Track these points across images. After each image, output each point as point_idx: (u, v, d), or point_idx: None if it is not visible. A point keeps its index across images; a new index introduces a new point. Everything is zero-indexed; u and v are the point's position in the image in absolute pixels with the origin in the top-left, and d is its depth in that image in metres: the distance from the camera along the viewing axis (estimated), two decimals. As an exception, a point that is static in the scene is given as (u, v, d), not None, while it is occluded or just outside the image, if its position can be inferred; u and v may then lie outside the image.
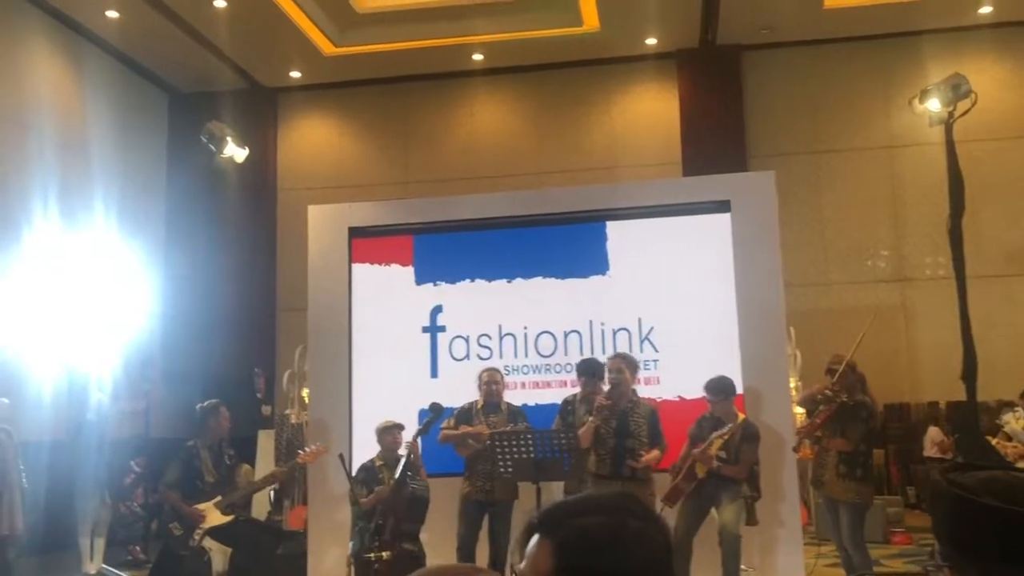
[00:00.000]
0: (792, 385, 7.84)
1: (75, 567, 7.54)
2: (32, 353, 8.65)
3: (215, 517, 6.23)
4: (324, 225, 7.29)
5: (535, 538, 1.15)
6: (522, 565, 1.15)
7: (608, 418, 5.83)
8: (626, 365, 5.95)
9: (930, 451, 9.00)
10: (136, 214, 11.21)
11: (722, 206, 6.92)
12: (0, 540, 7.41)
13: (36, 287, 8.87)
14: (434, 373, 7.16)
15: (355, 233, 7.28)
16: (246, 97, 12.20)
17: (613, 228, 7.08)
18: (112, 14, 10.35)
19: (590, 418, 5.83)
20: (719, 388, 5.99)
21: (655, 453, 5.79)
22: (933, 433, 9.40)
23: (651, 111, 11.98)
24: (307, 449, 6.54)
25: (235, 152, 7.67)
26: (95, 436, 8.25)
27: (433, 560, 6.02)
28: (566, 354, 6.98)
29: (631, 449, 5.80)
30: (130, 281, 9.48)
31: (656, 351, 6.86)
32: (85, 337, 9.01)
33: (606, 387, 6.07)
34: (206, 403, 6.58)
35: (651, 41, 11.42)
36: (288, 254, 11.83)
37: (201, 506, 6.21)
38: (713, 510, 5.93)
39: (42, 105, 10.02)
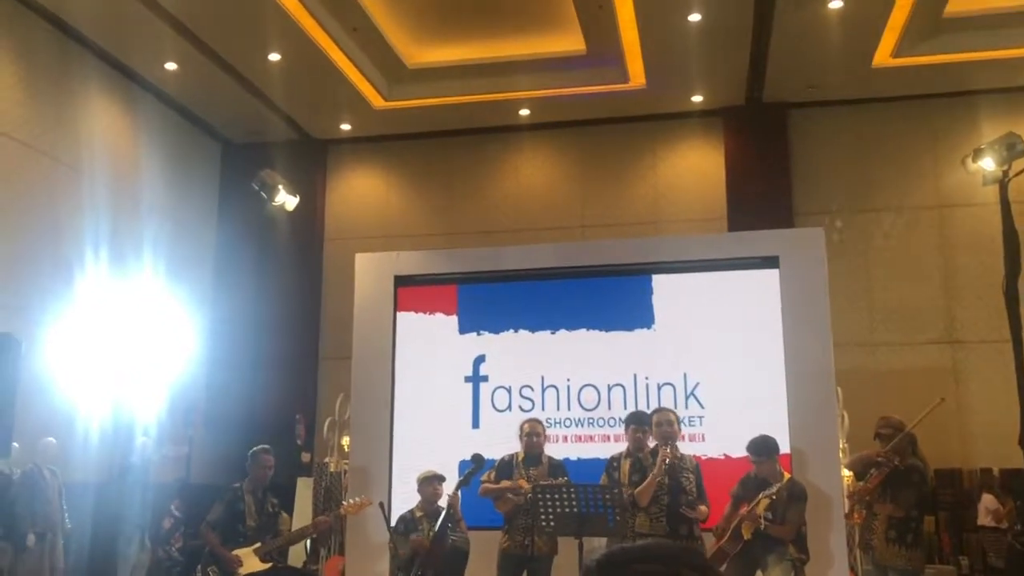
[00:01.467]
0: (839, 447, 7.66)
1: (112, 610, 7.53)
2: (80, 395, 8.78)
3: (252, 563, 6.20)
4: (370, 273, 7.36)
5: None
6: None
7: (663, 472, 5.71)
8: (675, 416, 5.87)
9: (984, 519, 8.69)
10: (185, 260, 11.42)
11: (770, 262, 6.87)
12: (41, 580, 7.47)
13: (86, 329, 9.03)
14: (475, 423, 7.13)
15: (401, 282, 7.34)
16: (297, 148, 12.44)
17: (659, 281, 7.06)
18: (171, 66, 10.67)
19: (649, 475, 5.70)
20: (762, 448, 5.87)
21: (703, 509, 5.66)
22: (987, 501, 9.09)
23: (696, 167, 11.99)
24: (352, 500, 6.51)
25: (286, 200, 7.80)
26: (138, 479, 8.32)
27: (471, 615, 5.92)
28: (609, 408, 6.91)
29: (687, 506, 5.69)
30: (177, 326, 9.61)
31: (702, 407, 6.78)
32: (132, 380, 9.12)
33: (651, 442, 5.98)
34: (254, 448, 6.61)
35: (697, 98, 11.48)
36: (333, 303, 11.94)
37: (239, 552, 6.19)
38: (759, 573, 5.77)
39: (97, 152, 10.29)
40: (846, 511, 6.29)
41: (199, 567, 6.36)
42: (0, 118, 9.12)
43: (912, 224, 11.28)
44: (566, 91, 11.24)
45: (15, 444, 6.08)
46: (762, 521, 5.67)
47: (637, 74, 10.90)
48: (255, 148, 12.37)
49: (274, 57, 10.49)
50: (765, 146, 11.57)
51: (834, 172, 11.55)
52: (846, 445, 8.60)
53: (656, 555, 1.17)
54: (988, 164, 6.58)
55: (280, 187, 7.75)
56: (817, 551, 5.94)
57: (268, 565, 6.24)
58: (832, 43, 10.07)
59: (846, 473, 7.25)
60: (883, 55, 10.40)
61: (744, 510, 5.76)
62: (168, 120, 11.70)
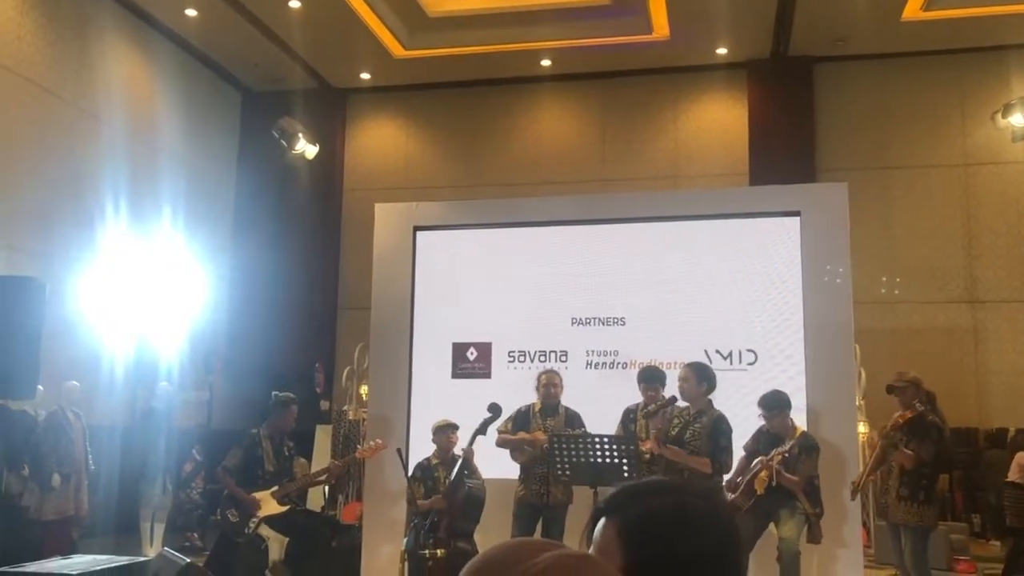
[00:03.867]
0: (856, 404, 7.66)
1: (136, 550, 7.70)
2: (102, 340, 8.89)
3: (270, 506, 6.32)
4: (390, 222, 7.36)
5: (601, 522, 1.15)
6: (590, 551, 1.15)
7: (669, 424, 5.71)
8: (693, 373, 5.81)
9: (1014, 475, 8.66)
10: (205, 208, 11.46)
11: (791, 216, 6.81)
12: (66, 520, 7.65)
13: (107, 276, 9.12)
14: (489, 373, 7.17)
15: (420, 231, 7.34)
16: (316, 97, 12.39)
17: (678, 230, 7.04)
18: (191, 12, 10.61)
19: (652, 431, 5.72)
20: (773, 403, 5.87)
21: (703, 460, 5.53)
22: (1020, 457, 9.04)
23: (719, 122, 11.86)
24: (366, 444, 6.60)
25: (306, 148, 7.80)
26: (160, 423, 8.45)
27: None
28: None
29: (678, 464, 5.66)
30: (197, 273, 9.68)
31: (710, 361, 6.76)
32: (153, 326, 9.23)
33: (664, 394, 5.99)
34: (280, 395, 6.68)
35: (722, 51, 11.31)
36: (351, 253, 11.98)
37: (257, 494, 6.30)
38: (772, 526, 5.81)
39: (117, 99, 10.29)
40: (867, 461, 6.23)
41: (218, 509, 6.49)
42: (24, 64, 9.12)
43: (936, 182, 11.14)
44: (588, 41, 11.10)
45: (40, 387, 6.18)
46: (775, 471, 5.69)
47: (661, 25, 10.74)
48: (275, 96, 12.32)
49: (294, 4, 10.40)
50: (789, 101, 11.42)
51: (859, 128, 11.39)
52: (862, 403, 8.60)
53: (662, 487, 1.20)
54: (1018, 120, 6.50)
55: (300, 135, 7.75)
56: (831, 507, 5.97)
57: (286, 508, 6.35)
58: (861, -6, 9.88)
59: (862, 429, 7.27)
60: (913, 8, 10.18)
61: (758, 462, 5.78)
62: (188, 67, 11.66)
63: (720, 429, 5.61)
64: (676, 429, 5.68)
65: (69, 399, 7.86)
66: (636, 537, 1.11)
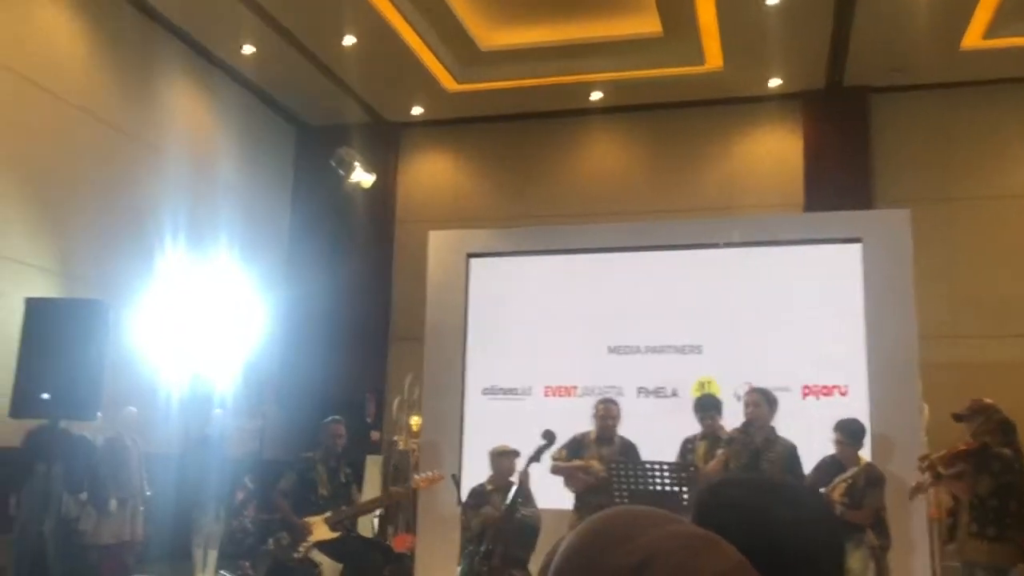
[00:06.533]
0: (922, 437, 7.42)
1: (188, 576, 7.73)
2: (159, 367, 9.02)
3: (322, 532, 6.29)
4: (444, 250, 7.39)
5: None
6: None
7: (740, 453, 5.60)
8: (764, 399, 5.71)
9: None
10: (260, 238, 11.64)
11: (852, 243, 6.69)
12: (121, 545, 7.71)
13: (165, 304, 9.27)
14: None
15: (473, 259, 7.35)
16: (370, 131, 12.55)
17: (734, 256, 6.94)
18: (248, 49, 10.86)
19: (719, 451, 5.61)
20: (853, 431, 5.72)
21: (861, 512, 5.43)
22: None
23: (773, 153, 11.74)
24: (424, 475, 6.55)
25: (362, 177, 7.88)
26: (214, 451, 8.51)
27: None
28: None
29: None
30: (252, 302, 9.80)
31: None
32: (208, 355, 9.35)
33: (722, 423, 5.88)
34: (327, 419, 6.71)
35: (775, 82, 11.24)
36: (403, 285, 12.03)
37: (310, 520, 6.28)
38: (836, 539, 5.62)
39: (178, 133, 10.56)
40: (920, 466, 5.95)
41: (270, 536, 6.48)
42: (88, 99, 9.39)
43: (1001, 213, 10.86)
44: (640, 74, 11.11)
45: (99, 412, 6.26)
46: (838, 506, 5.53)
47: (714, 56, 10.71)
48: (329, 131, 12.51)
49: (349, 40, 10.58)
50: (845, 132, 11.27)
51: (917, 159, 11.18)
52: (925, 438, 8.34)
53: (750, 483, 1.17)
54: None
55: (357, 164, 7.83)
56: (898, 539, 5.77)
57: (337, 534, 6.32)
58: (918, 24, 9.73)
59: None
60: (973, 36, 10.02)
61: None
62: (245, 102, 11.92)
63: (796, 458, 5.51)
64: (746, 458, 5.56)
65: (127, 425, 7.96)
66: (707, 516, 1.07)
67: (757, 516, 1.07)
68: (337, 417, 6.74)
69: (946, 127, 11.11)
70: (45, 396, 5.34)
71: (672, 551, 0.80)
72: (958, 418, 5.81)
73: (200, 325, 9.41)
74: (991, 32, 9.92)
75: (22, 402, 5.44)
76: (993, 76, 10.75)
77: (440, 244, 7.45)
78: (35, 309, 5.66)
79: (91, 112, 9.40)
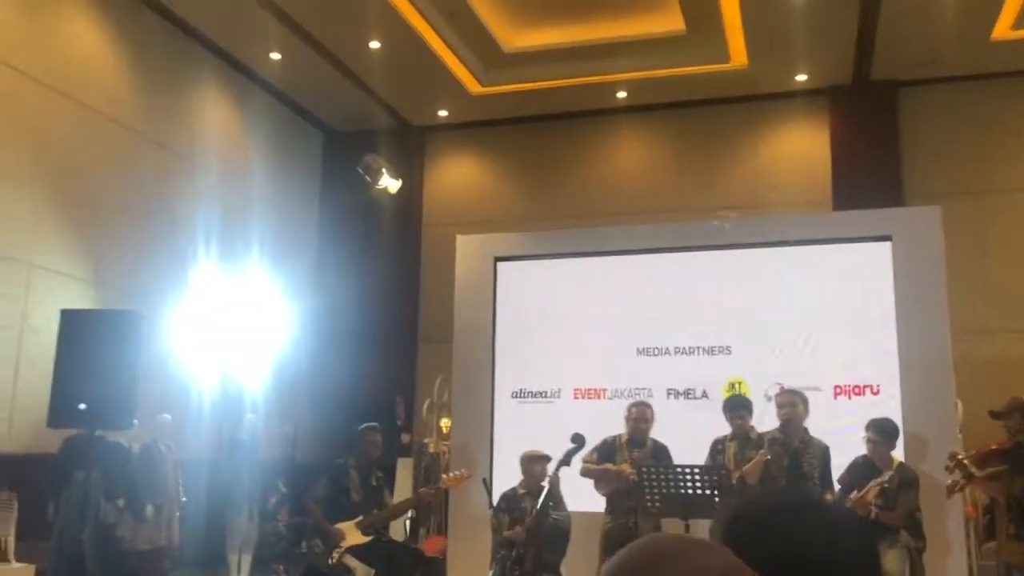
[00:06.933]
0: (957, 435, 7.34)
1: (224, 581, 7.81)
2: (192, 374, 9.11)
3: (354, 536, 6.34)
4: (471, 253, 7.42)
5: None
6: None
7: (780, 455, 5.58)
8: (799, 400, 5.70)
9: None
10: (289, 243, 11.73)
11: (882, 240, 6.63)
12: (158, 551, 7.80)
13: (196, 311, 9.37)
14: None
15: (501, 262, 7.36)
16: (395, 135, 12.61)
17: (764, 255, 6.91)
18: (275, 56, 10.95)
19: (758, 451, 5.58)
20: (886, 430, 5.67)
21: (828, 497, 5.46)
22: None
23: (799, 150, 11.65)
24: (452, 474, 6.59)
25: (389, 183, 7.93)
26: (247, 456, 8.59)
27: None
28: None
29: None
30: (282, 307, 9.88)
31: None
32: (240, 360, 9.43)
33: (752, 424, 5.86)
34: (363, 425, 6.75)
35: (801, 77, 11.14)
36: (431, 287, 12.08)
37: (342, 525, 6.33)
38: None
39: (207, 141, 10.67)
40: (947, 466, 5.86)
41: (303, 541, 6.54)
42: (119, 108, 9.52)
43: (1033, 206, 10.71)
44: (665, 72, 11.07)
45: (135, 420, 6.35)
46: (873, 509, 5.49)
47: (738, 53, 10.64)
48: (355, 136, 12.59)
49: (374, 45, 10.64)
50: (873, 126, 11.15)
51: (948, 152, 11.04)
52: (960, 435, 8.24)
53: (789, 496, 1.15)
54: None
55: (384, 170, 7.88)
56: (933, 540, 5.71)
57: (370, 538, 6.36)
58: (946, 16, 9.61)
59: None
60: (1003, 27, 9.87)
61: (854, 496, 5.58)
62: (273, 109, 12.02)
63: (829, 459, 5.51)
64: (786, 460, 5.54)
65: (162, 432, 8.05)
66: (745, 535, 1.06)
67: (789, 538, 1.07)
68: (374, 424, 6.79)
69: (976, 119, 10.96)
70: (82, 406, 5.43)
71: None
72: (995, 415, 5.74)
73: (231, 331, 9.50)
74: (1021, 23, 9.77)
75: (60, 412, 5.54)
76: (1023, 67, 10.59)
77: (467, 248, 7.47)
78: (70, 320, 5.76)
79: (120, 122, 9.53)
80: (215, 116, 11.03)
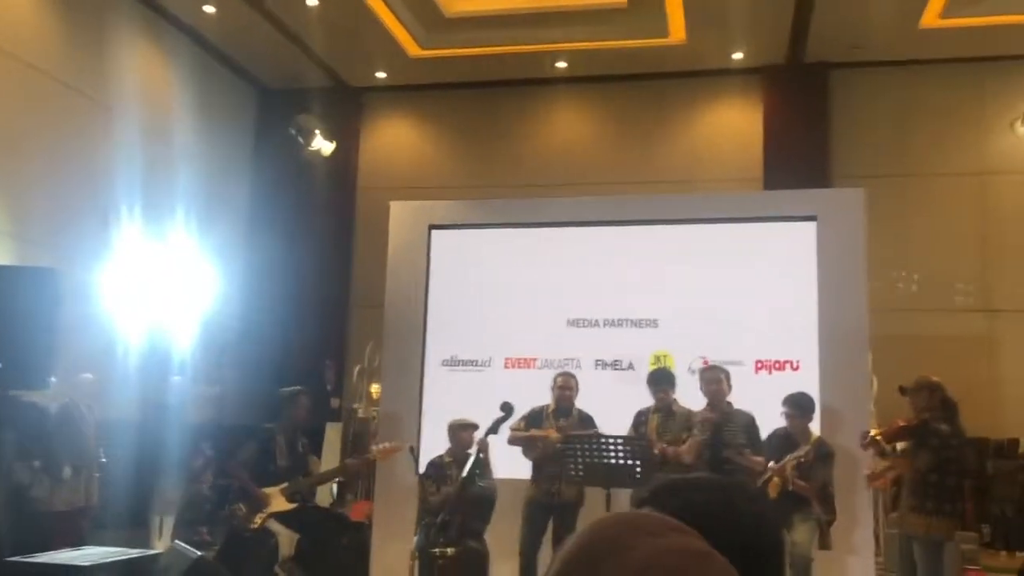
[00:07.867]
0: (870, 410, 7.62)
1: (145, 543, 7.71)
2: (116, 333, 8.91)
3: (279, 502, 6.32)
4: (405, 221, 7.37)
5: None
6: None
7: (702, 427, 5.76)
8: (725, 376, 5.89)
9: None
10: (219, 203, 11.47)
11: (807, 220, 6.80)
12: (76, 512, 7.65)
13: (121, 269, 9.15)
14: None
15: (435, 230, 7.34)
16: (332, 95, 12.39)
17: (692, 232, 7.03)
18: (209, 8, 10.64)
19: (690, 433, 5.75)
20: (801, 405, 5.86)
21: (757, 459, 5.66)
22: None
23: (733, 127, 11.82)
24: (383, 445, 6.59)
25: (322, 145, 7.81)
26: (172, 418, 8.47)
27: (497, 559, 6.01)
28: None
29: (727, 459, 5.73)
30: (211, 267, 9.71)
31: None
32: (166, 320, 9.26)
33: (675, 397, 6.02)
34: (289, 389, 6.69)
35: (737, 55, 11.28)
36: (365, 252, 11.97)
37: (267, 490, 6.31)
38: (784, 532, 5.79)
39: (133, 93, 10.29)
40: (862, 444, 6.11)
41: (227, 505, 6.49)
42: (41, 56, 9.16)
43: (953, 190, 11.08)
44: (604, 44, 11.08)
45: (52, 379, 6.19)
46: (789, 479, 5.67)
47: (678, 29, 10.71)
48: (290, 94, 12.34)
49: (311, 2, 10.41)
50: (805, 107, 11.37)
51: (875, 135, 11.33)
52: (873, 409, 8.56)
53: (709, 485, 1.17)
54: (1038, 128, 6.43)
55: (317, 132, 7.75)
56: (843, 514, 5.94)
57: (295, 505, 6.35)
58: (879, 1, 9.83)
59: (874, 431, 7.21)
60: (932, 15, 10.13)
61: (772, 467, 5.76)
62: (204, 64, 11.68)
63: (755, 427, 5.71)
64: (708, 433, 5.70)
65: (82, 391, 7.87)
66: None
67: (723, 516, 1.10)
68: (302, 388, 6.74)
69: (903, 104, 11.26)
70: (-4, 365, 5.28)
71: (670, 568, 0.82)
72: (903, 391, 5.96)
73: (158, 290, 9.30)
74: (948, 11, 10.04)
75: (-27, 371, 5.37)
76: (950, 55, 10.90)
77: (401, 214, 7.43)
78: (-15, 277, 5.57)
79: (42, 70, 9.17)
80: (143, 67, 10.67)
